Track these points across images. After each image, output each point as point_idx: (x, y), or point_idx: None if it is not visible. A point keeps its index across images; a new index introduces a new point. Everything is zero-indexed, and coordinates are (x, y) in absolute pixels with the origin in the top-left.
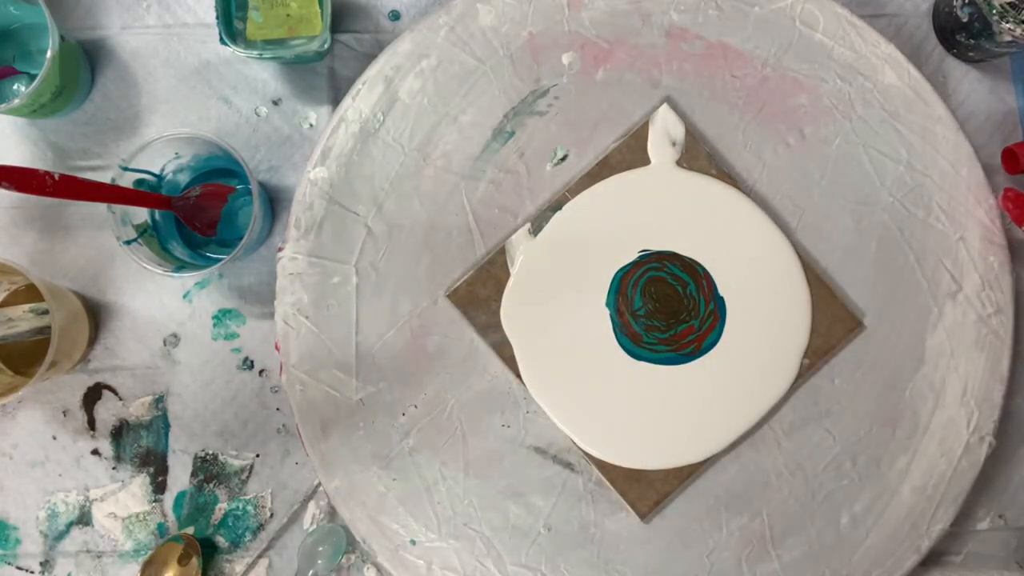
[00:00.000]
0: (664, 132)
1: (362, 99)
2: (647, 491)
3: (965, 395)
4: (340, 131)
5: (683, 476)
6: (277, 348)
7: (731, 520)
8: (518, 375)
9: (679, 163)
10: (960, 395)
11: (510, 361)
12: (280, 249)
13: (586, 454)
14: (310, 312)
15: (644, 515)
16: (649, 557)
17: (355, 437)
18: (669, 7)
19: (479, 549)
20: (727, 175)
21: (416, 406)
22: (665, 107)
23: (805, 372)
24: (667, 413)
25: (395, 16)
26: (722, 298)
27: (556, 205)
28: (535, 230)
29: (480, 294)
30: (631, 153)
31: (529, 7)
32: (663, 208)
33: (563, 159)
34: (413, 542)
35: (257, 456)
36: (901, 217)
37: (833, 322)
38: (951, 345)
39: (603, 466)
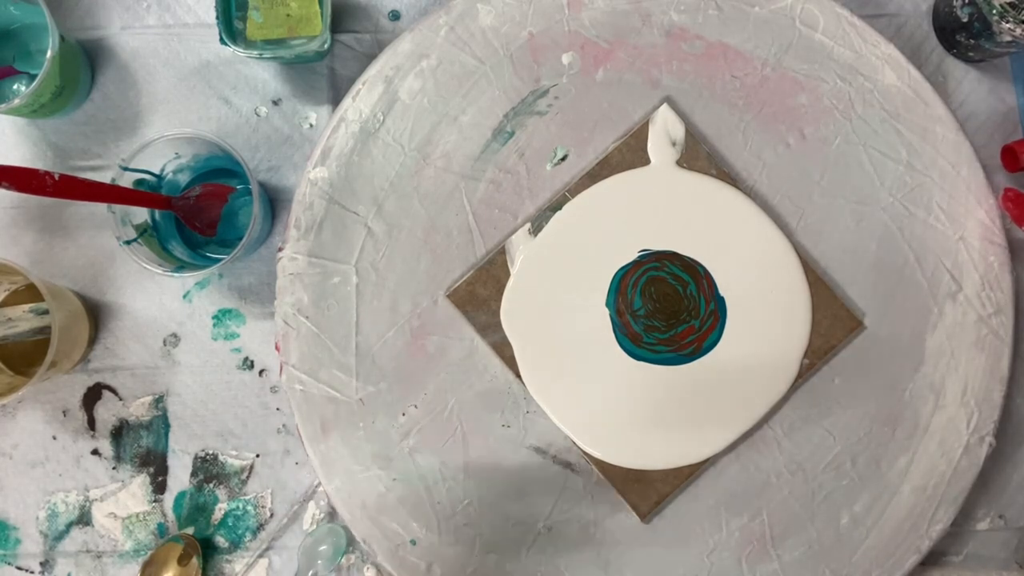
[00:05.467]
0: (664, 132)
1: (362, 99)
2: (647, 491)
3: (965, 395)
4: (340, 131)
5: (683, 476)
6: (277, 348)
7: (731, 520)
8: (518, 375)
9: (679, 163)
10: (960, 395)
11: (510, 361)
12: (280, 249)
13: (586, 454)
14: (310, 312)
15: (644, 515)
16: (649, 557)
17: (355, 437)
18: (669, 7)
19: (479, 549)
20: (727, 175)
21: (416, 406)
22: (665, 107)
23: (805, 372)
24: (667, 413)
25: (395, 16)
26: (722, 298)
27: (556, 205)
28: (535, 230)
29: (480, 294)
30: (631, 153)
31: (529, 7)
32: (663, 208)
33: (563, 159)
34: (413, 542)
35: (257, 456)
36: (901, 217)
37: (833, 322)
38: (951, 345)
39: (603, 466)
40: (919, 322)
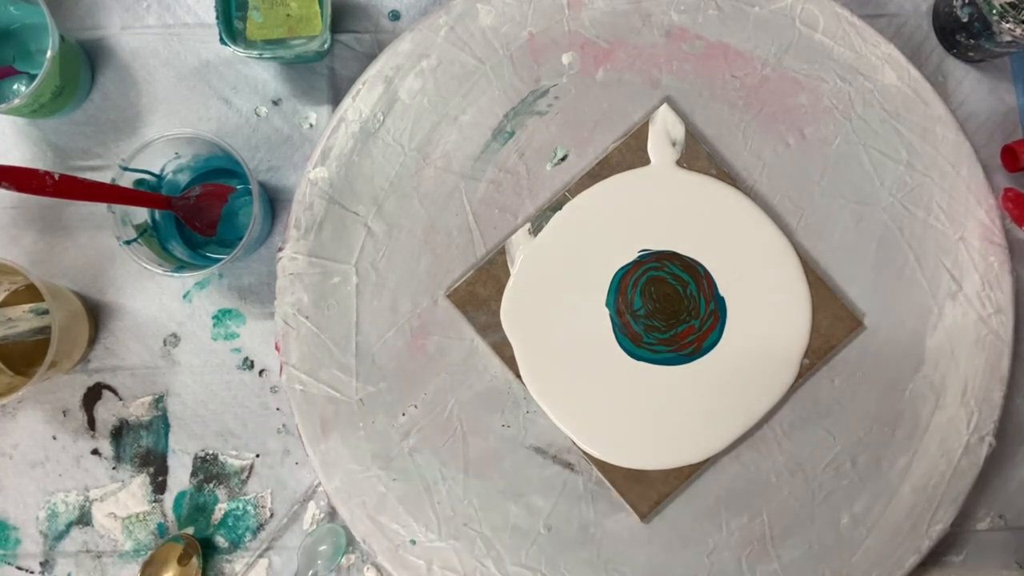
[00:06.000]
0: (664, 132)
1: (362, 99)
2: (647, 491)
3: (965, 395)
4: (340, 131)
5: (683, 476)
6: (277, 348)
7: (731, 520)
8: (518, 375)
9: (679, 163)
10: (960, 395)
11: (510, 361)
12: (280, 249)
13: (586, 454)
14: (310, 312)
15: (644, 515)
16: (649, 557)
17: (355, 437)
18: (669, 7)
19: (479, 549)
20: (727, 175)
21: (416, 406)
22: (665, 107)
23: (805, 372)
24: (667, 413)
25: (395, 16)
26: (722, 298)
27: (556, 205)
28: (535, 230)
29: (480, 294)
30: (631, 153)
31: (529, 7)
32: (663, 208)
33: (563, 159)
34: (413, 542)
35: (257, 456)
36: (901, 217)
37: (833, 322)
38: (951, 345)
39: (603, 466)
40: (919, 322)
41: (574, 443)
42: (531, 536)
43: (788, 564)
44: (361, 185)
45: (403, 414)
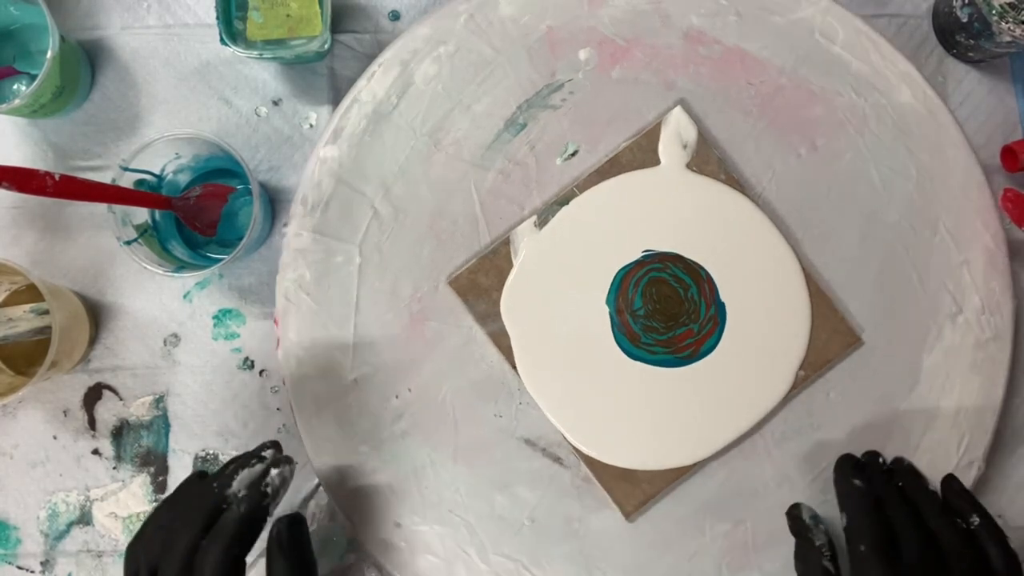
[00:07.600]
0: (676, 134)
1: (377, 81)
2: (634, 490)
3: (958, 418)
4: (353, 111)
5: (671, 478)
6: (276, 323)
7: (715, 526)
8: (514, 366)
9: (689, 166)
10: (952, 417)
11: (507, 352)
12: (285, 224)
13: (576, 449)
14: (311, 289)
15: (629, 514)
16: (630, 556)
17: (347, 416)
18: (689, 10)
19: (462, 536)
20: (736, 181)
21: (410, 390)
22: (679, 109)
23: (800, 383)
24: (660, 415)
25: (395, 16)
26: (723, 303)
27: (563, 199)
28: (541, 223)
29: (481, 283)
30: (641, 153)
31: (550, 0)
32: (670, 209)
33: (573, 154)
34: (398, 524)
35: None
36: (907, 236)
37: (832, 335)
38: (947, 367)
39: (592, 463)
40: (917, 341)
41: (564, 438)
42: (515, 527)
43: (770, 574)
44: (371, 166)
45: (396, 397)
